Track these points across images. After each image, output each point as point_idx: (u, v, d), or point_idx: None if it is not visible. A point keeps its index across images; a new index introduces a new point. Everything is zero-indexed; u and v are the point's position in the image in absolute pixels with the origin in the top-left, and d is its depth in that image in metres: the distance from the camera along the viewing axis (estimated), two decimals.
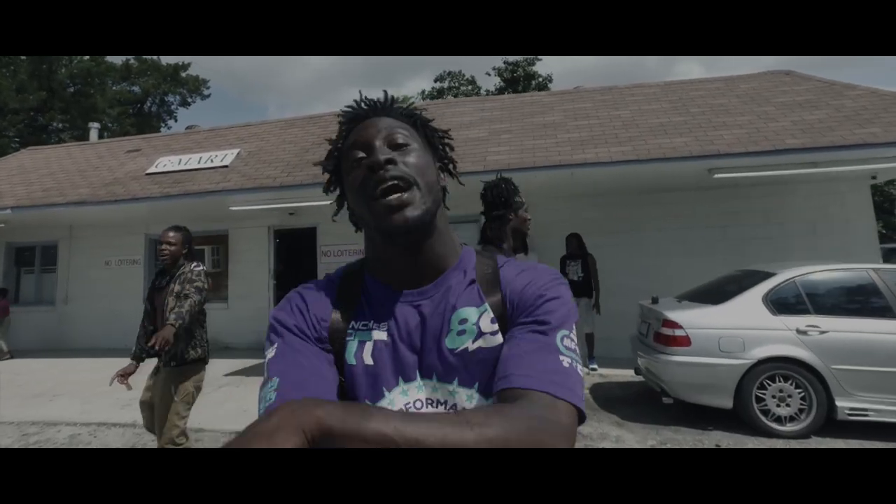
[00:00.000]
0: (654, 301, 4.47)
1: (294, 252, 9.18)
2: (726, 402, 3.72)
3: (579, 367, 0.59)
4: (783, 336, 3.67)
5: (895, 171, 6.13)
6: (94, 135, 12.36)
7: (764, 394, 3.67)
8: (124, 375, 2.62)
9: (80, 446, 3.85)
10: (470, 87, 23.16)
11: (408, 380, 0.62)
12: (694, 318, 3.92)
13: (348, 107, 0.70)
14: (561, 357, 0.57)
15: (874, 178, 6.34)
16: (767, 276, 4.01)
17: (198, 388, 2.76)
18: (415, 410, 0.61)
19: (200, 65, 61.25)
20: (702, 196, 6.69)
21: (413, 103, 0.75)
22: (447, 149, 0.74)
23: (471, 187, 5.88)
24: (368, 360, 0.63)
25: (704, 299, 4.23)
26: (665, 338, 3.95)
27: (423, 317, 0.64)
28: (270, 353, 0.62)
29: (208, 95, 25.55)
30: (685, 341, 3.84)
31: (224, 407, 4.65)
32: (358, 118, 0.68)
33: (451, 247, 0.69)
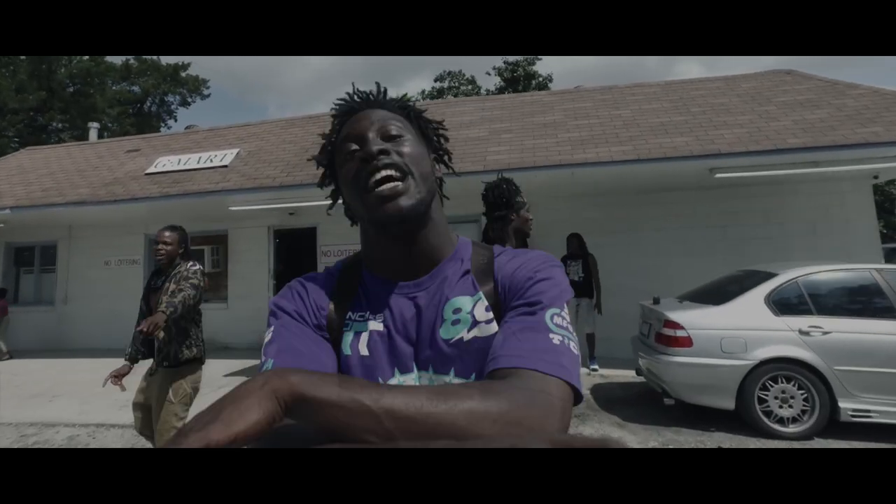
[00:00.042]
0: (656, 301, 4.45)
1: (294, 252, 9.16)
2: (728, 404, 3.70)
3: (573, 344, 0.56)
4: (785, 337, 3.65)
5: None
6: (93, 135, 12.34)
7: (766, 395, 3.64)
8: (118, 376, 2.59)
9: (79, 447, 3.84)
10: (470, 87, 23.14)
11: (404, 371, 0.61)
12: (695, 319, 3.90)
13: (341, 100, 0.70)
14: (551, 335, 0.55)
15: (876, 177, 6.32)
16: (769, 276, 3.99)
17: (195, 389, 2.73)
18: None
19: (200, 65, 61.35)
20: (702, 196, 6.67)
21: (412, 101, 0.74)
22: (441, 139, 0.74)
23: (471, 187, 5.83)
24: (364, 351, 0.62)
25: (706, 300, 4.21)
26: (666, 338, 3.93)
27: (419, 308, 0.63)
28: (268, 336, 0.62)
29: (208, 95, 25.55)
30: (687, 342, 3.82)
31: None
32: (351, 111, 0.68)
33: (447, 238, 0.69)
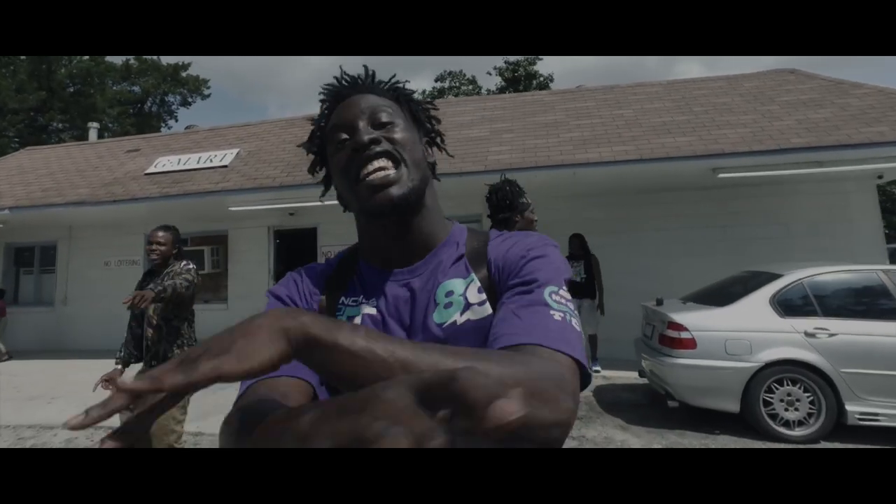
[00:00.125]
0: (659, 303, 4.40)
1: (294, 252, 9.12)
2: (733, 406, 3.66)
3: (575, 321, 0.54)
4: (791, 339, 3.61)
5: None
6: (93, 135, 12.31)
7: (771, 398, 3.60)
8: (109, 381, 2.54)
9: (76, 448, 3.80)
10: (471, 87, 23.11)
11: None
12: (699, 320, 3.86)
13: (329, 84, 0.68)
14: (552, 312, 0.53)
15: (880, 177, 6.27)
16: (774, 277, 3.94)
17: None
18: None
19: (200, 65, 61.33)
20: (704, 196, 6.62)
21: (402, 84, 0.72)
22: (433, 121, 0.72)
23: (472, 187, 5.76)
24: None
25: (710, 301, 4.17)
26: (670, 340, 3.89)
27: (413, 292, 0.63)
28: None
29: (208, 95, 25.52)
30: (690, 343, 3.78)
31: (223, 410, 4.59)
32: (340, 96, 0.66)
33: (441, 224, 0.68)
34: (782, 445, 3.49)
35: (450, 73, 23.75)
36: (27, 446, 3.96)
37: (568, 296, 0.57)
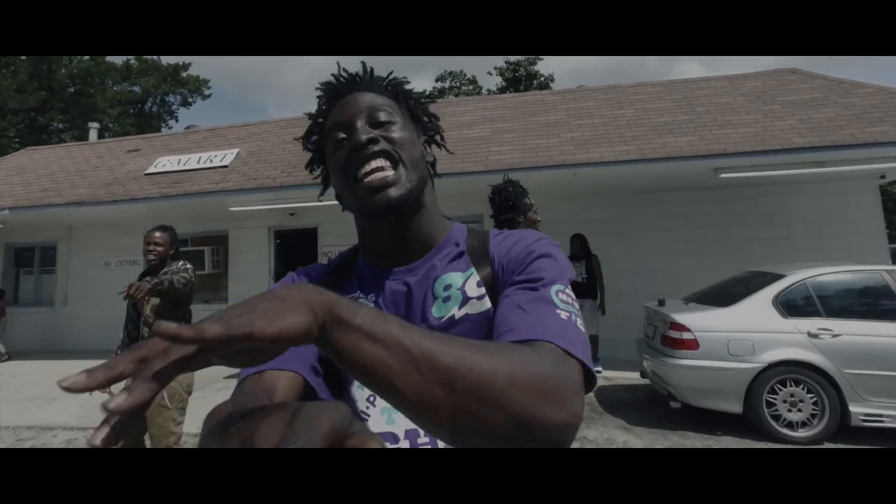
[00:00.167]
0: (661, 303, 4.38)
1: (295, 253, 9.10)
2: (735, 407, 3.64)
3: (580, 322, 0.53)
4: (794, 339, 3.59)
5: None
6: (93, 135, 12.30)
7: (774, 398, 3.58)
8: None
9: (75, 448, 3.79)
10: (471, 87, 23.09)
11: None
12: (702, 321, 3.84)
13: (327, 82, 0.67)
14: (558, 311, 0.52)
15: (883, 177, 6.25)
16: (777, 277, 3.92)
17: (189, 392, 2.67)
18: None
19: (201, 65, 61.33)
20: (705, 196, 6.59)
21: (400, 81, 0.72)
22: (432, 119, 0.72)
23: (472, 187, 5.75)
24: None
25: (712, 301, 4.15)
26: (672, 341, 3.87)
27: (410, 288, 0.62)
28: None
29: (209, 95, 25.51)
30: (693, 344, 3.76)
31: None
32: (338, 94, 0.65)
33: (440, 223, 0.67)
34: (786, 446, 3.47)
35: (450, 73, 23.74)
36: (26, 447, 3.95)
37: (573, 296, 0.56)
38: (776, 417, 3.57)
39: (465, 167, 5.82)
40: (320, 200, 0.81)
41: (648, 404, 4.52)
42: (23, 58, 19.68)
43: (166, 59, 23.86)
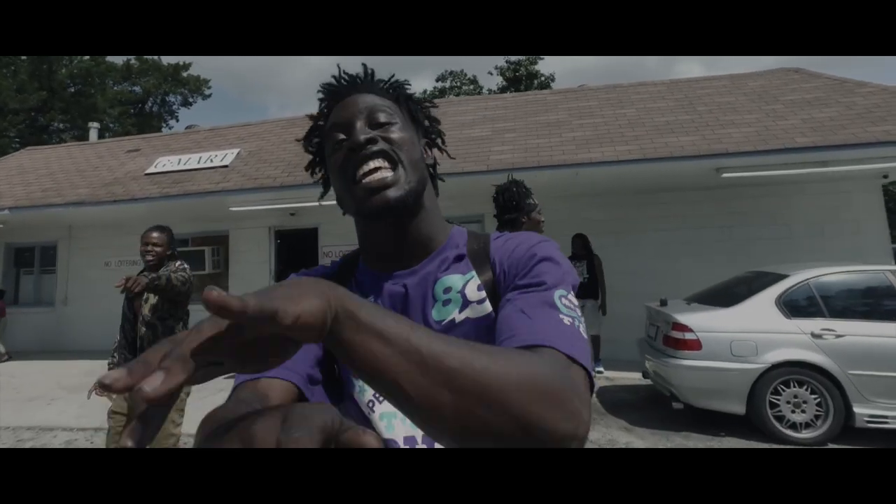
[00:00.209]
0: (663, 303, 4.36)
1: (296, 253, 9.09)
2: (739, 408, 3.62)
3: (582, 327, 0.52)
4: (797, 340, 3.57)
5: None
6: (93, 135, 12.29)
7: (778, 399, 3.56)
8: (104, 387, 2.49)
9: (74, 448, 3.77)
10: (472, 87, 23.06)
11: None
12: (704, 321, 3.82)
13: (327, 83, 0.67)
14: (561, 316, 0.52)
15: (886, 177, 6.22)
16: (780, 277, 3.90)
17: (187, 393, 2.65)
18: None
19: (201, 65, 61.36)
20: (706, 196, 6.57)
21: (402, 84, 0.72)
22: (433, 122, 0.72)
23: (473, 187, 5.73)
24: None
25: (714, 301, 4.13)
26: (674, 341, 3.85)
27: (409, 290, 0.62)
28: None
29: (209, 95, 25.51)
30: (695, 345, 3.74)
31: None
32: (338, 95, 0.65)
33: (440, 226, 0.67)
34: (790, 447, 3.45)
35: (451, 72, 23.71)
36: (27, 448, 3.93)
37: (575, 301, 0.56)
38: (780, 418, 3.55)
39: (465, 167, 5.80)
40: (320, 204, 0.80)
41: (650, 405, 4.50)
42: (23, 58, 19.68)
43: (167, 59, 23.88)
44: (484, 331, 0.57)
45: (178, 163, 7.76)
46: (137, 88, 23.81)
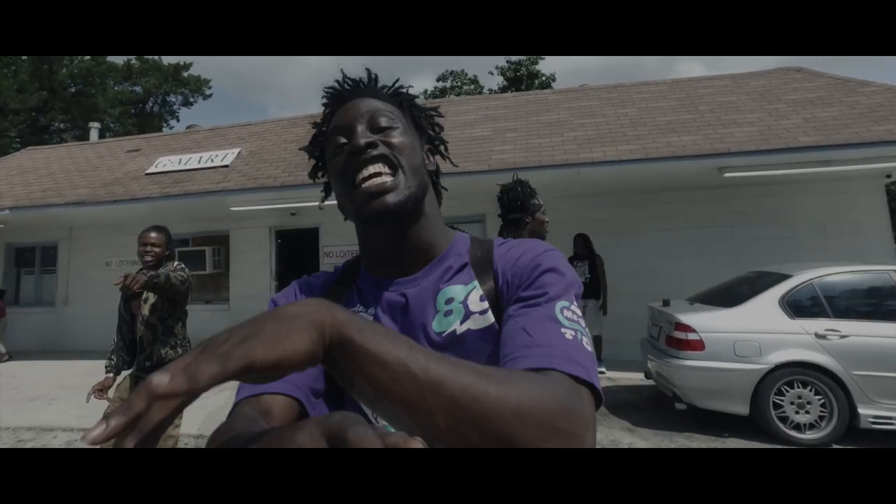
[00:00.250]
0: (666, 303, 4.35)
1: (296, 253, 9.08)
2: (742, 409, 3.60)
3: (585, 340, 0.52)
4: (801, 340, 3.55)
5: None
6: (94, 135, 12.29)
7: (782, 400, 3.54)
8: (102, 390, 2.48)
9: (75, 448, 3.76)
10: (472, 87, 23.04)
11: None
12: (707, 322, 3.80)
13: (330, 88, 0.67)
14: (563, 330, 0.51)
15: (889, 176, 6.20)
16: (783, 277, 3.88)
17: None
18: None
19: (202, 65, 61.38)
20: (708, 195, 6.55)
21: (405, 88, 0.72)
22: (435, 128, 0.71)
23: (474, 187, 5.72)
24: None
25: (717, 302, 4.11)
26: (677, 341, 3.83)
27: (411, 300, 0.61)
28: None
29: (210, 95, 25.50)
30: (698, 345, 3.72)
31: (224, 412, 4.54)
32: (341, 99, 0.65)
33: (442, 232, 0.66)
34: (795, 447, 3.43)
35: (451, 72, 23.69)
36: (28, 448, 3.92)
37: (579, 312, 0.55)
38: (783, 419, 3.53)
39: (467, 166, 5.78)
40: (321, 208, 0.79)
41: (653, 405, 4.49)
42: (24, 58, 19.68)
43: (167, 59, 23.88)
44: (486, 342, 0.57)
45: (179, 163, 7.74)
46: (138, 88, 23.82)
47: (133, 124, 22.34)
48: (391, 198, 0.58)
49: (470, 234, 0.71)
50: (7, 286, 9.03)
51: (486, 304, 0.59)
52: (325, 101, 0.67)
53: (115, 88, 23.10)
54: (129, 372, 2.62)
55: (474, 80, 23.41)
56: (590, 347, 0.51)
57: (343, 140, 0.62)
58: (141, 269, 2.65)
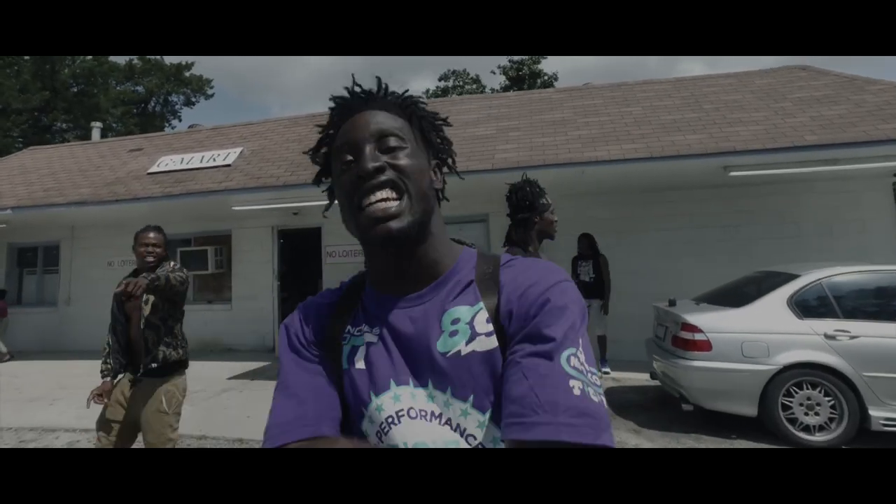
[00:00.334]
0: (671, 303, 4.30)
1: (299, 252, 9.06)
2: (750, 410, 3.56)
3: (592, 390, 0.51)
4: (810, 341, 3.50)
5: None
6: (96, 134, 12.29)
7: (791, 402, 3.50)
8: (101, 395, 2.44)
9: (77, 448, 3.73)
10: (475, 87, 23.00)
11: (400, 383, 0.60)
12: (714, 322, 3.76)
13: (339, 96, 0.66)
14: (571, 383, 0.51)
15: (895, 175, 6.14)
16: (791, 277, 3.84)
17: (183, 394, 2.61)
18: (408, 420, 0.58)
19: (203, 64, 61.42)
20: (712, 195, 6.50)
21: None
22: (445, 144, 0.71)
23: (478, 186, 5.66)
24: (360, 365, 0.62)
25: (724, 302, 4.07)
26: (684, 342, 3.79)
27: (417, 320, 0.62)
28: (279, 369, 0.66)
29: (212, 95, 25.51)
30: (705, 346, 3.68)
31: (227, 413, 4.52)
32: (350, 110, 0.64)
33: (447, 251, 0.66)
34: (804, 448, 3.39)
35: (453, 72, 23.65)
36: (30, 448, 3.89)
37: (584, 356, 0.54)
38: (792, 421, 3.49)
39: (470, 165, 5.75)
40: (325, 216, 0.79)
41: (659, 406, 4.45)
42: (26, 58, 19.70)
43: (169, 59, 23.89)
44: (488, 364, 0.57)
45: (181, 162, 7.72)
46: (140, 88, 23.84)
47: (135, 124, 22.36)
48: (395, 224, 0.58)
49: (476, 248, 0.70)
50: (9, 286, 9.03)
51: (491, 327, 0.58)
52: (332, 107, 0.66)
53: (118, 88, 23.13)
54: (126, 376, 2.58)
55: (476, 80, 23.36)
56: (596, 398, 0.51)
57: (350, 158, 0.61)
58: (135, 270, 2.62)
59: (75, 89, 21.82)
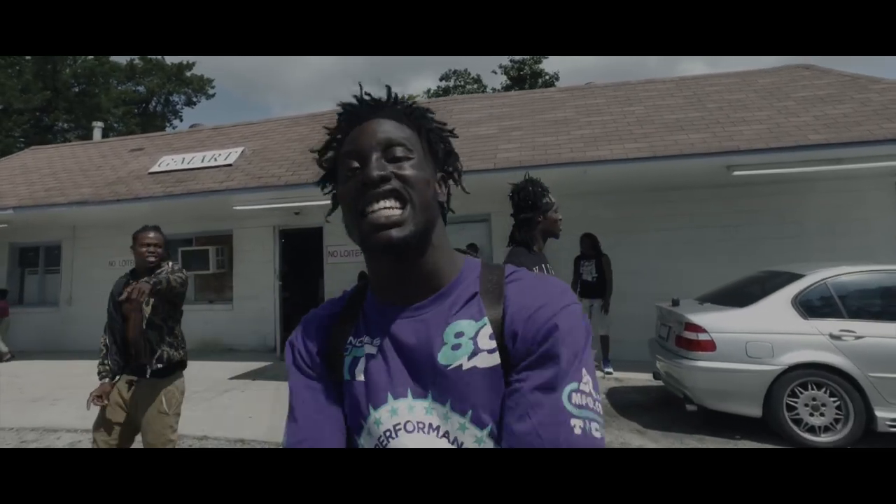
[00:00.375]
0: (675, 303, 4.28)
1: (300, 252, 9.05)
2: (755, 411, 3.54)
3: (595, 426, 0.53)
4: (815, 341, 3.48)
5: None
6: (97, 134, 12.30)
7: (795, 402, 3.48)
8: (100, 396, 2.43)
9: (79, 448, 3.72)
10: (476, 86, 22.97)
11: (398, 396, 0.60)
12: (718, 322, 3.74)
13: (348, 103, 0.67)
14: (573, 422, 0.52)
15: None
16: (795, 277, 3.81)
17: (182, 395, 2.60)
18: (405, 434, 0.59)
19: (204, 64, 61.44)
20: (715, 194, 6.47)
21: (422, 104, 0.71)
22: (452, 156, 0.71)
23: (480, 186, 5.65)
24: (360, 377, 0.63)
25: (728, 301, 4.05)
26: (687, 342, 3.77)
27: (419, 332, 0.62)
28: (289, 393, 0.68)
29: (213, 95, 25.53)
30: (709, 346, 3.66)
31: (228, 413, 4.50)
32: (358, 117, 0.64)
33: (450, 261, 0.66)
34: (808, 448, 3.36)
35: (454, 71, 23.62)
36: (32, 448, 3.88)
37: (586, 389, 0.55)
38: (797, 422, 3.47)
39: (472, 165, 5.73)
40: (328, 221, 0.81)
41: (662, 406, 4.42)
42: (27, 58, 19.71)
43: (170, 59, 23.89)
44: (489, 381, 0.57)
45: (182, 162, 7.71)
46: (141, 88, 23.86)
47: (136, 124, 22.37)
48: (396, 232, 0.58)
49: (480, 257, 0.69)
50: (11, 286, 9.03)
51: (494, 343, 0.58)
52: (340, 114, 0.66)
53: (119, 88, 23.14)
54: (123, 377, 2.56)
55: (477, 80, 23.34)
56: (598, 433, 0.53)
57: (356, 165, 0.62)
58: (132, 270, 2.60)
59: (77, 89, 21.83)
